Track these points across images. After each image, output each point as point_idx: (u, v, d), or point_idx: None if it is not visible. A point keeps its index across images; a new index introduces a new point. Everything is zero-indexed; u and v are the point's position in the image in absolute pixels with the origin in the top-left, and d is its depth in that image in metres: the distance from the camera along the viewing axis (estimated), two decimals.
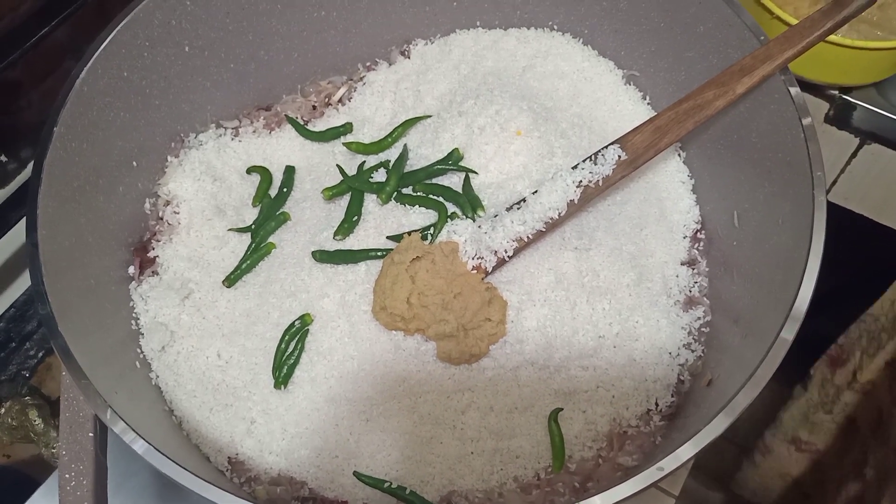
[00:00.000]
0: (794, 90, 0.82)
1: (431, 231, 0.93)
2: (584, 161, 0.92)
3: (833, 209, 1.31)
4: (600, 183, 0.91)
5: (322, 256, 0.93)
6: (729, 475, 1.88)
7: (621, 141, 0.92)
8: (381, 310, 0.88)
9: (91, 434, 0.69)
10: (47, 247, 0.77)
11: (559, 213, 0.90)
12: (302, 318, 0.91)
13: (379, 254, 0.93)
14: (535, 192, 0.92)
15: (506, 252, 0.90)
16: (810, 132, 0.80)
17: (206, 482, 0.64)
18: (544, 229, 0.91)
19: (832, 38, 1.05)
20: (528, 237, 0.90)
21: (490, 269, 0.91)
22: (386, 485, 0.83)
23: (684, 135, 0.90)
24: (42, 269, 0.75)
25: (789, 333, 0.71)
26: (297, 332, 0.90)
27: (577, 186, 0.90)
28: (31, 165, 1.23)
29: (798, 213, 0.78)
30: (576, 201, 0.90)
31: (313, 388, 0.88)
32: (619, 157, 0.90)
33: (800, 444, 1.67)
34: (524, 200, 0.92)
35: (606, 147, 0.91)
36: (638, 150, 0.91)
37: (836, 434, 1.60)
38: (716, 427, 0.66)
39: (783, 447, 1.71)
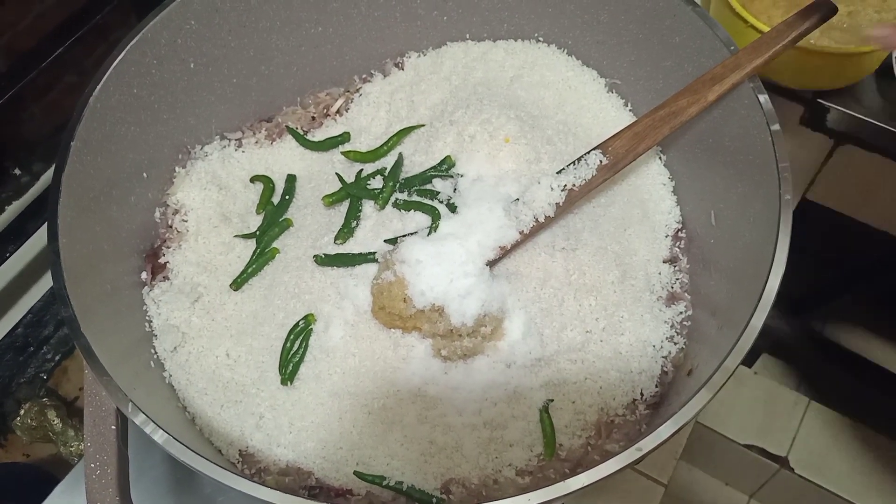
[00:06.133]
0: (763, 97, 0.87)
1: (429, 234, 0.97)
2: (567, 166, 0.96)
3: (813, 207, 1.37)
4: (584, 186, 0.95)
5: (323, 260, 0.98)
6: None
7: (602, 146, 0.96)
8: (379, 309, 0.93)
9: (113, 427, 0.74)
10: (67, 254, 0.82)
11: (545, 216, 0.94)
12: (305, 318, 0.95)
13: (377, 257, 0.97)
14: (521, 196, 0.96)
15: (493, 255, 0.94)
16: (778, 136, 0.84)
17: (220, 468, 0.68)
18: (531, 232, 0.95)
19: (806, 45, 1.11)
20: (515, 240, 0.94)
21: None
22: (385, 482, 0.87)
23: (660, 139, 0.95)
24: (64, 275, 0.80)
25: (758, 321, 0.75)
26: (302, 332, 0.95)
27: (563, 190, 0.94)
28: (42, 178, 1.30)
29: (767, 211, 0.83)
30: (561, 204, 0.95)
31: (318, 384, 0.93)
32: (601, 161, 0.95)
33: None
34: (513, 203, 0.96)
35: (588, 152, 0.95)
36: (618, 155, 0.95)
37: None
38: (689, 410, 0.71)
39: None
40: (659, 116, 0.94)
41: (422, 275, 0.90)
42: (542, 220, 0.94)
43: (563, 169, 0.96)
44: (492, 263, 0.95)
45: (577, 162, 0.96)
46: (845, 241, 1.66)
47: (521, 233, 0.94)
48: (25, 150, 1.30)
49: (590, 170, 0.95)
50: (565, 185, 0.95)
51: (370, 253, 0.98)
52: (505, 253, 0.95)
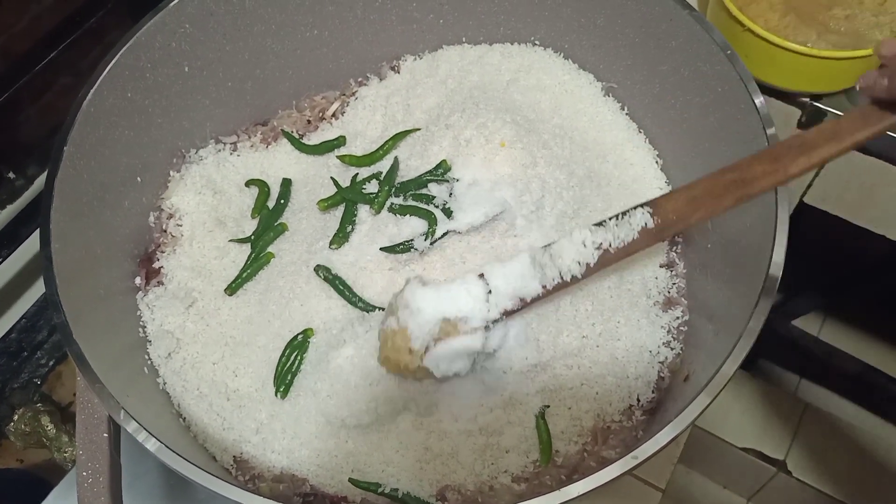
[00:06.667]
0: (759, 101, 0.87)
1: (425, 238, 0.96)
2: (608, 220, 0.86)
3: (810, 210, 1.37)
4: (621, 249, 0.85)
5: (323, 274, 0.97)
6: None
7: (652, 205, 0.84)
8: (385, 359, 0.89)
9: (105, 434, 0.73)
10: (60, 259, 0.82)
11: (572, 276, 0.86)
12: (304, 332, 0.95)
13: (376, 308, 0.95)
14: (550, 246, 0.88)
15: (511, 305, 0.88)
16: (774, 140, 0.84)
17: (212, 476, 0.68)
18: (554, 289, 0.88)
19: (802, 48, 1.10)
20: (537, 294, 0.88)
21: (491, 325, 0.90)
22: (380, 489, 0.87)
23: (720, 212, 0.81)
24: (56, 280, 0.79)
25: (756, 326, 0.75)
26: (299, 346, 0.94)
27: (597, 248, 0.85)
28: (37, 182, 1.29)
29: (764, 215, 0.82)
30: (592, 265, 0.86)
31: (313, 397, 0.92)
32: (646, 224, 0.84)
33: None
34: (540, 250, 0.89)
35: (635, 209, 0.85)
36: (668, 220, 0.83)
37: None
38: (688, 415, 0.71)
39: None
40: (724, 182, 0.80)
41: (427, 331, 0.86)
42: (567, 279, 0.87)
43: (603, 223, 0.86)
44: (509, 313, 0.89)
45: (619, 217, 0.85)
46: (843, 244, 1.66)
47: (544, 287, 0.87)
48: (20, 154, 1.30)
49: (632, 231, 0.84)
50: (600, 244, 0.85)
51: (371, 306, 0.96)
52: (524, 306, 0.89)
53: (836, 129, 0.75)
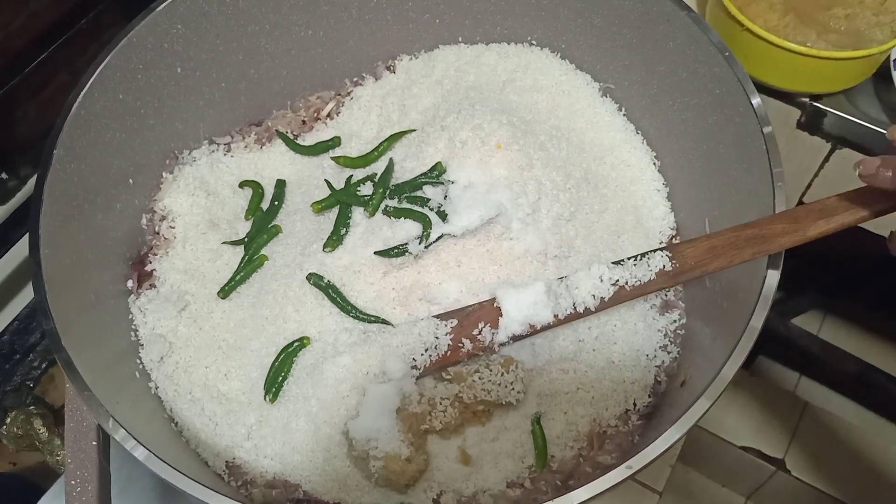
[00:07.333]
0: (756, 102, 0.86)
1: (419, 241, 0.95)
2: (626, 259, 0.89)
3: None
4: (636, 288, 0.87)
5: (316, 282, 0.96)
6: None
7: (672, 249, 0.87)
8: (390, 480, 0.87)
9: (94, 442, 0.72)
10: (49, 264, 0.81)
11: (586, 308, 0.88)
12: (301, 340, 0.94)
13: (370, 318, 0.94)
14: (566, 278, 0.90)
15: (520, 330, 0.90)
16: (771, 140, 0.83)
17: (202, 486, 0.67)
18: (566, 319, 0.89)
19: (802, 48, 1.09)
20: (547, 323, 0.89)
21: (496, 348, 0.91)
22: None
23: (738, 263, 0.83)
24: (45, 286, 0.78)
25: (753, 330, 0.74)
26: (294, 353, 0.93)
27: (613, 284, 0.88)
28: (30, 182, 1.28)
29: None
30: (606, 300, 0.88)
31: (303, 403, 0.91)
32: (665, 266, 0.86)
33: None
34: (556, 281, 0.91)
35: (654, 251, 0.88)
36: (686, 265, 0.86)
37: None
38: (684, 423, 0.70)
39: None
40: (744, 235, 0.82)
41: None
42: (581, 310, 0.89)
43: (622, 262, 0.89)
44: (517, 338, 0.91)
45: (638, 258, 0.88)
46: (842, 244, 1.65)
47: (555, 316, 0.89)
48: (13, 154, 1.29)
49: (649, 272, 0.87)
50: (617, 281, 0.88)
51: (365, 316, 0.95)
52: (533, 332, 0.90)
53: (857, 198, 0.78)
